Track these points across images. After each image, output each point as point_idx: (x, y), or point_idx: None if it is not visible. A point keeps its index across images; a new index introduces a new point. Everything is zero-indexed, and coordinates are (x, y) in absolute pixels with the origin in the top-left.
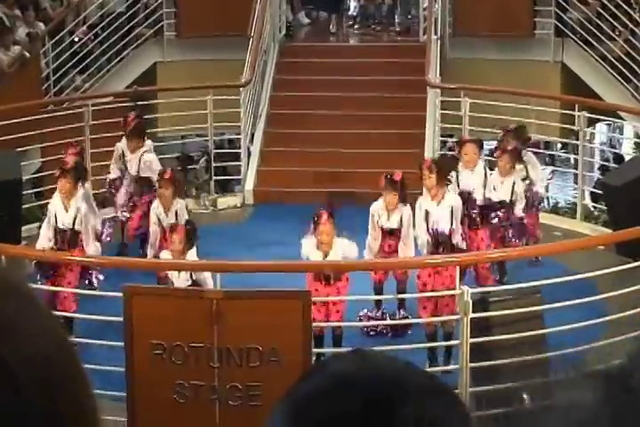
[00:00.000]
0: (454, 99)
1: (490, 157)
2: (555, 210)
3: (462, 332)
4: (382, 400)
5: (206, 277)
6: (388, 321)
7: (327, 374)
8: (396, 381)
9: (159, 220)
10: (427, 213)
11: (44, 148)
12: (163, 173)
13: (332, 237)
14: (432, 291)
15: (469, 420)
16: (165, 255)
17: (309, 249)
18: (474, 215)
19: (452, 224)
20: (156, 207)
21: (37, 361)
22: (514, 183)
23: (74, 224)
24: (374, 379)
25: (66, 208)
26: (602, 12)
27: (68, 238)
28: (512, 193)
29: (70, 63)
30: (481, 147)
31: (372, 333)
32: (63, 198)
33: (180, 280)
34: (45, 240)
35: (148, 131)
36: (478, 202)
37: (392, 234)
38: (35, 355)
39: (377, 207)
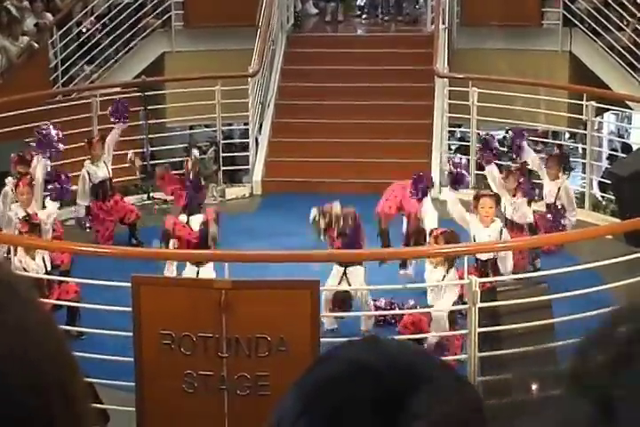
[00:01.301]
0: (462, 88)
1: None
2: None
3: (470, 321)
4: (396, 387)
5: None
6: (397, 311)
7: (342, 361)
8: (410, 368)
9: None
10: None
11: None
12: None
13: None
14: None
15: (481, 407)
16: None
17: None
18: None
19: None
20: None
21: (33, 364)
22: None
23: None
24: (388, 366)
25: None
26: (609, 1)
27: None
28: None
29: (78, 54)
30: (498, 202)
31: (380, 322)
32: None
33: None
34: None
35: (156, 121)
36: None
37: None
38: (30, 358)
39: None
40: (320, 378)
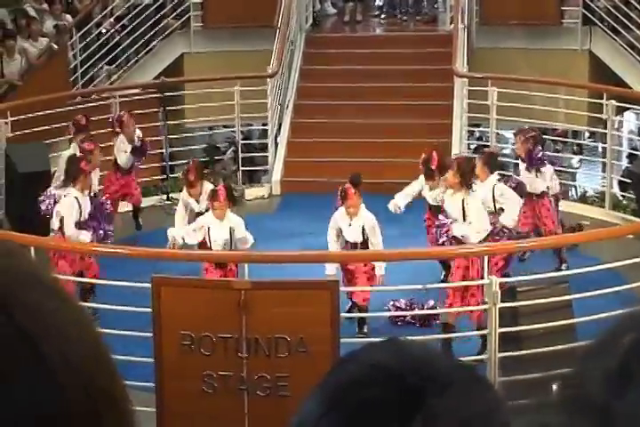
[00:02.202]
0: (481, 88)
1: None
2: (583, 199)
3: (491, 321)
4: (416, 389)
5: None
6: (416, 311)
7: (362, 363)
8: (430, 369)
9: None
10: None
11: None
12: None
13: (359, 208)
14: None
15: (501, 407)
16: (208, 217)
17: (339, 218)
18: None
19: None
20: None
21: (81, 360)
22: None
23: None
24: (408, 367)
25: None
26: None
27: None
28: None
29: (98, 55)
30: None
31: (399, 322)
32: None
33: (218, 242)
34: None
35: (176, 122)
36: None
37: None
38: (78, 354)
39: None
40: (341, 381)
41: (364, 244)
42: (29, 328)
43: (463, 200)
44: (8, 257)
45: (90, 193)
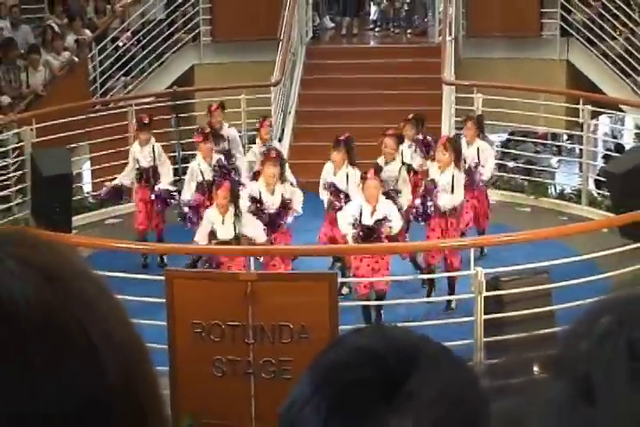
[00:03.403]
0: (468, 95)
1: None
2: (561, 196)
3: (476, 310)
4: (397, 370)
5: (256, 232)
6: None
7: (347, 347)
8: (411, 351)
9: (201, 173)
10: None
11: (91, 144)
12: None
13: (378, 191)
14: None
15: (479, 386)
16: (211, 212)
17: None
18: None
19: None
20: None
21: (121, 347)
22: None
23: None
24: (390, 350)
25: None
26: (603, 12)
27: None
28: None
29: (115, 66)
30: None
31: None
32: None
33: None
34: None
35: (187, 128)
36: None
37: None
38: (119, 340)
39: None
40: (328, 364)
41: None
42: (83, 317)
43: (453, 176)
44: (49, 248)
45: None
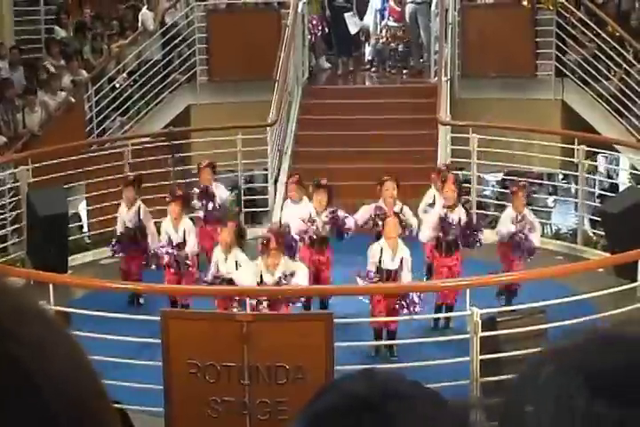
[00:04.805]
0: (463, 135)
1: None
2: (557, 236)
3: (472, 350)
4: (388, 416)
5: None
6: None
7: (338, 393)
8: (402, 398)
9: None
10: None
11: (88, 184)
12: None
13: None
14: None
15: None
16: (216, 251)
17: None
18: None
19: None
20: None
21: (64, 379)
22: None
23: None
24: (380, 396)
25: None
26: (598, 53)
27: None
28: None
29: (111, 107)
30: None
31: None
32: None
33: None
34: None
35: (183, 168)
36: None
37: None
38: (67, 381)
39: None
40: (319, 409)
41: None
42: (22, 357)
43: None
44: (4, 292)
45: None
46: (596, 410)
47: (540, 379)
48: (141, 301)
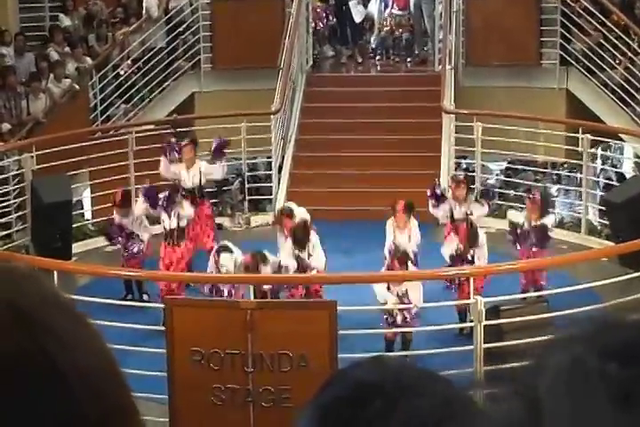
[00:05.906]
0: (467, 124)
1: None
2: (561, 225)
3: (476, 338)
4: (398, 403)
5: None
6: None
7: (348, 381)
8: (412, 384)
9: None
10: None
11: (92, 171)
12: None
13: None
14: None
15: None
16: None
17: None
18: None
19: None
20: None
21: (93, 375)
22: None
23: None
24: (391, 383)
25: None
26: (603, 42)
27: None
28: None
29: (115, 94)
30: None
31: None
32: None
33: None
34: None
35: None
36: None
37: None
38: (89, 369)
39: None
40: (329, 399)
41: None
42: (49, 347)
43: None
44: (29, 279)
45: None
46: (608, 372)
47: (553, 346)
48: (145, 297)
